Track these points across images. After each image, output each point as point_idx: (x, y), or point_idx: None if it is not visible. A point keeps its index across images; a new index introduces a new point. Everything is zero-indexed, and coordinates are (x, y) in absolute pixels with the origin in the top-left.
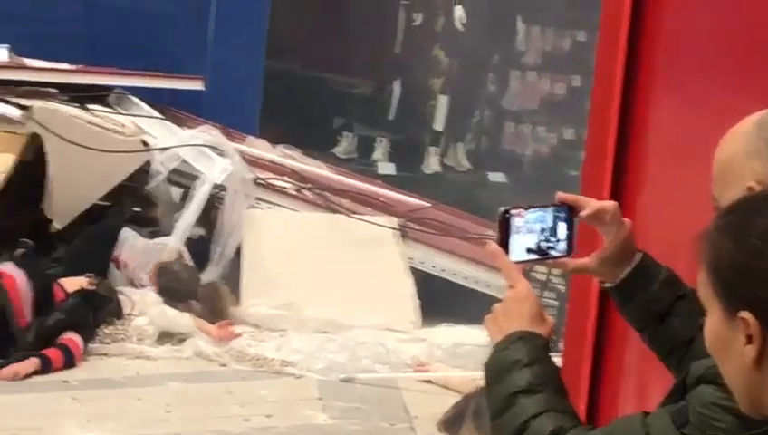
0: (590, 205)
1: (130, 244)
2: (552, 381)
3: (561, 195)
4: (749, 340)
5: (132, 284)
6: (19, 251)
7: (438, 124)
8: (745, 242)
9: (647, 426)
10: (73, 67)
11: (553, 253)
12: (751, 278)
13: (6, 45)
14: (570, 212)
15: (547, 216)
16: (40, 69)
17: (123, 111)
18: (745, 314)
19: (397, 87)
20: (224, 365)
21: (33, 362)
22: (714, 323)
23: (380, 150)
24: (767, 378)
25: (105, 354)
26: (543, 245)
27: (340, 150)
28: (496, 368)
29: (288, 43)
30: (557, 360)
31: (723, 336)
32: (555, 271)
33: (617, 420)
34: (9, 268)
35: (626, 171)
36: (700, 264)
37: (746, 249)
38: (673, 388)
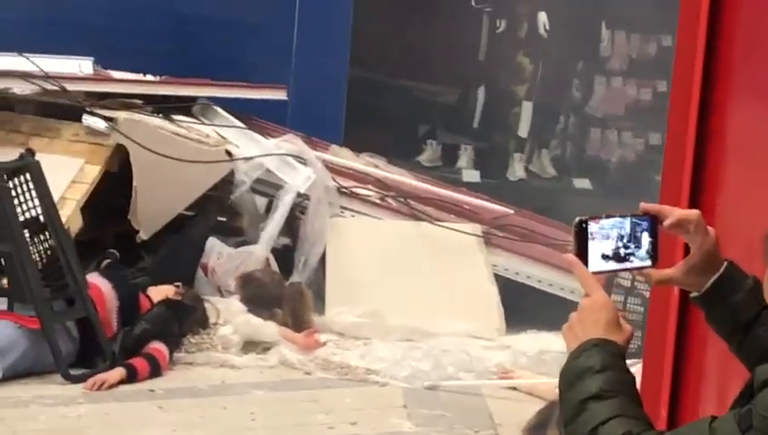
0: (672, 214)
1: (218, 252)
2: (625, 388)
3: (643, 205)
4: None
5: (219, 292)
6: (105, 262)
7: (523, 131)
8: None
9: (713, 430)
10: (157, 78)
11: (634, 261)
12: None
13: (91, 58)
14: (653, 222)
15: (625, 223)
16: (124, 81)
17: (207, 122)
18: None
19: (481, 94)
20: (308, 374)
21: (119, 372)
22: None
23: (465, 158)
24: None
25: (191, 363)
26: (622, 251)
27: (424, 158)
28: (570, 375)
29: (372, 51)
30: (638, 365)
31: None
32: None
33: (687, 424)
34: (95, 279)
35: (705, 176)
36: (765, 262)
37: None
38: (741, 392)
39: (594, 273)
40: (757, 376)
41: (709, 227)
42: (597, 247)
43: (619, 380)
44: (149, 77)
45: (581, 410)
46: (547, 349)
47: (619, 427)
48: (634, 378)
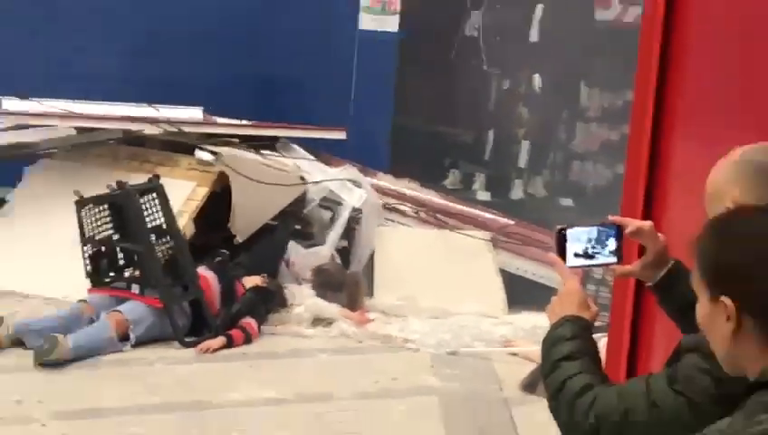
0: (632, 224)
1: (296, 251)
2: (589, 353)
3: (611, 217)
4: (728, 318)
5: (297, 281)
6: (218, 258)
7: (522, 162)
8: (721, 246)
9: (649, 383)
10: (249, 123)
11: (601, 259)
12: (727, 273)
13: (200, 107)
14: (619, 230)
15: (593, 230)
16: (225, 124)
17: (286, 155)
18: (725, 299)
19: (491, 135)
20: (360, 342)
21: (221, 340)
22: (703, 305)
23: (478, 183)
24: (741, 347)
25: (273, 334)
26: (590, 251)
27: (448, 183)
28: (548, 342)
29: (410, 102)
30: (604, 339)
31: (709, 316)
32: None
33: (632, 379)
34: (204, 271)
35: (655, 195)
36: (693, 262)
37: (722, 251)
38: (671, 355)
39: (570, 267)
40: (682, 345)
41: (659, 234)
42: (572, 248)
43: (585, 346)
44: (244, 121)
45: (555, 368)
46: (539, 325)
47: (582, 380)
48: (597, 345)
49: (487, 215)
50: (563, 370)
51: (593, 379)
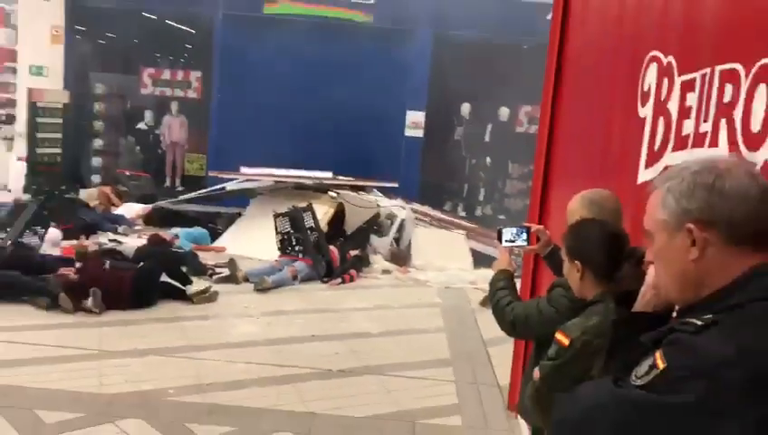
0: (534, 226)
1: (374, 239)
2: (511, 286)
3: (525, 223)
4: (577, 271)
5: (375, 253)
6: (338, 242)
7: (480, 198)
8: (572, 237)
9: (539, 301)
10: (353, 179)
11: (519, 242)
12: (575, 250)
13: (331, 171)
14: (528, 229)
15: (515, 229)
16: (342, 180)
17: (370, 194)
18: (577, 263)
19: (466, 185)
20: (403, 281)
21: (339, 280)
22: (566, 265)
23: (460, 207)
24: (583, 285)
25: (365, 277)
26: (513, 238)
27: (446, 207)
28: (492, 282)
29: (427, 168)
30: (518, 281)
31: (569, 270)
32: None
33: (531, 299)
34: (332, 248)
35: (544, 213)
36: (562, 244)
37: (573, 240)
38: (549, 287)
39: (503, 247)
40: (554, 283)
41: (547, 231)
42: (504, 237)
43: (509, 284)
44: (350, 178)
45: (495, 294)
46: (488, 275)
47: (507, 299)
48: (515, 284)
49: (464, 223)
50: (499, 295)
51: (513, 299)
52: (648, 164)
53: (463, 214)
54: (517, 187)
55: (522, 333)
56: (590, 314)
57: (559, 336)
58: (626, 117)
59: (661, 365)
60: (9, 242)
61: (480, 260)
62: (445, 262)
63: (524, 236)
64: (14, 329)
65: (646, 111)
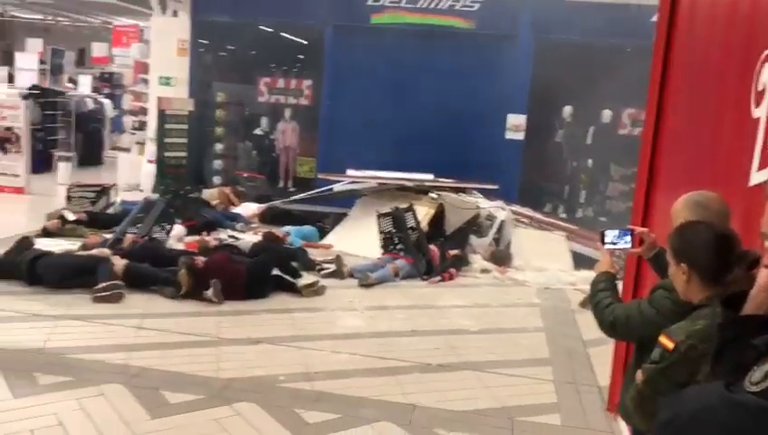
0: (638, 229)
1: (473, 240)
2: (612, 288)
3: (629, 226)
4: (683, 273)
5: (474, 252)
6: (438, 241)
7: (581, 199)
8: (679, 239)
9: (640, 302)
10: (454, 181)
11: (621, 245)
12: (681, 252)
13: (431, 174)
14: (632, 232)
15: (617, 231)
16: (443, 182)
17: (470, 195)
18: (683, 265)
19: (567, 187)
20: (502, 281)
21: (438, 278)
22: (671, 267)
23: (560, 209)
24: (690, 287)
25: (464, 276)
26: (615, 241)
27: (546, 208)
28: (593, 283)
29: (528, 170)
30: (620, 283)
31: (675, 272)
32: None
33: (632, 300)
34: (432, 247)
35: (648, 215)
36: (667, 247)
37: (679, 242)
38: (651, 289)
39: (605, 249)
40: (657, 285)
41: (652, 234)
42: (606, 239)
43: (610, 286)
44: (451, 180)
45: (596, 295)
46: (589, 276)
47: (607, 301)
48: (617, 285)
49: (564, 224)
50: (599, 296)
51: (613, 300)
52: (762, 166)
53: (563, 216)
54: (619, 189)
55: (622, 333)
56: (697, 317)
57: (663, 340)
58: (737, 118)
59: None
60: (141, 236)
61: (580, 262)
62: (544, 263)
63: (627, 238)
64: (143, 316)
65: (760, 112)
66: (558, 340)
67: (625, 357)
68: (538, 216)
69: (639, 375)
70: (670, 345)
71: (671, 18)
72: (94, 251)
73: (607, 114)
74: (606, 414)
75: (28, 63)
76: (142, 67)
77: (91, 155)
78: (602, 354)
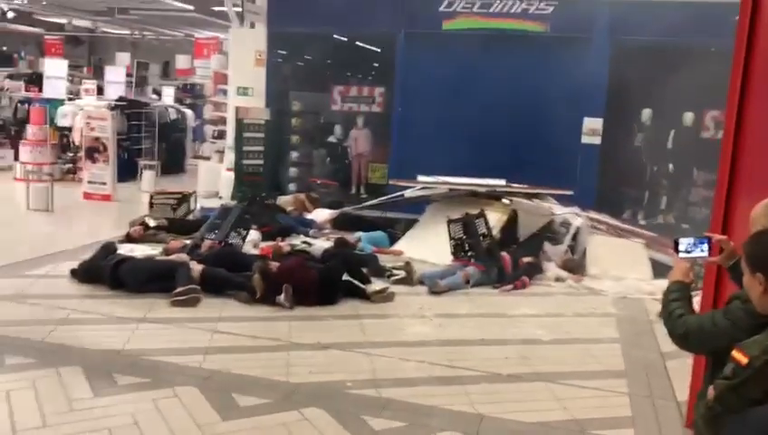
0: (718, 236)
1: (548, 246)
2: (685, 298)
3: (707, 233)
4: (760, 284)
5: (548, 260)
6: (511, 248)
7: (663, 206)
8: (755, 247)
9: (714, 313)
10: (528, 186)
11: (698, 254)
12: (758, 261)
13: (504, 179)
14: (710, 240)
15: (692, 240)
16: (515, 187)
17: (545, 201)
18: (758, 275)
19: (646, 193)
20: (577, 290)
21: (510, 286)
22: (747, 277)
23: (640, 215)
24: (766, 299)
25: (536, 284)
26: (691, 249)
27: (625, 215)
28: (666, 292)
29: (605, 176)
30: (698, 295)
31: (750, 282)
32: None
33: (707, 312)
34: (504, 254)
35: (728, 224)
36: (743, 259)
37: (756, 250)
38: (727, 300)
39: (680, 257)
40: (732, 295)
41: (731, 242)
42: (680, 247)
43: (683, 295)
44: (525, 186)
45: (668, 305)
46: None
47: (680, 311)
48: (691, 296)
49: (643, 231)
50: (672, 306)
51: (685, 311)
52: None
53: (643, 222)
54: (702, 194)
55: (694, 345)
56: None
57: (736, 354)
58: None
59: None
60: (218, 241)
61: (660, 270)
62: (621, 271)
63: (704, 246)
64: (218, 320)
65: None
66: (634, 351)
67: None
68: (616, 222)
69: (711, 391)
70: (744, 360)
71: (753, 17)
72: (173, 256)
73: (689, 117)
74: (684, 430)
75: (116, 76)
76: (222, 78)
77: (173, 163)
78: (681, 367)
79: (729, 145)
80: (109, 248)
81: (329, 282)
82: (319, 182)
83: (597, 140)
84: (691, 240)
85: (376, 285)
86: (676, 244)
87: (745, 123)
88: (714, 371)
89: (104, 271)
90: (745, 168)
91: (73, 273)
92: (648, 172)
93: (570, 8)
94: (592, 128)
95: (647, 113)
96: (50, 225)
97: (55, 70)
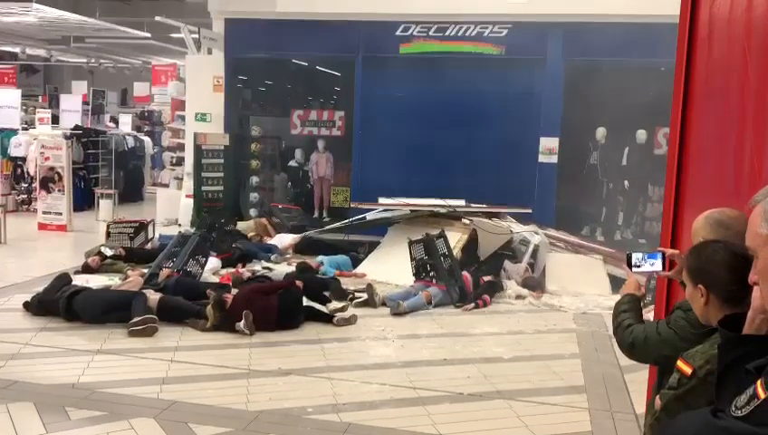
0: (669, 250)
1: (508, 265)
2: (634, 309)
3: (660, 248)
4: (701, 295)
5: (508, 278)
6: (472, 268)
7: (620, 222)
8: (696, 259)
9: (658, 323)
10: (487, 206)
11: (648, 268)
12: (699, 272)
13: (463, 199)
14: (663, 254)
15: (645, 254)
16: (474, 208)
17: (503, 220)
18: (701, 287)
19: (604, 209)
20: (537, 306)
21: (472, 305)
22: (689, 289)
23: (598, 232)
24: (709, 310)
25: (497, 302)
26: (641, 263)
27: (583, 232)
28: (617, 304)
29: (563, 193)
30: (651, 310)
31: (692, 294)
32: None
33: (651, 321)
34: (465, 273)
35: (677, 238)
36: (685, 264)
37: (697, 262)
38: (670, 310)
39: (633, 272)
40: (675, 305)
41: (683, 255)
42: (633, 261)
43: (633, 307)
44: (484, 206)
45: (618, 316)
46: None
47: (628, 321)
48: (640, 308)
49: (601, 247)
50: (621, 317)
51: (634, 322)
52: None
53: (601, 239)
54: (658, 209)
55: (640, 355)
56: (716, 341)
57: (681, 365)
58: (758, 134)
59: (762, 395)
60: (176, 270)
61: (619, 285)
62: (581, 287)
63: (655, 260)
64: (176, 349)
65: None
66: (594, 366)
67: None
68: (574, 239)
69: (658, 401)
70: (688, 370)
71: (690, 36)
72: (127, 285)
73: (641, 134)
74: None
75: (72, 105)
76: (180, 104)
77: (131, 191)
78: (640, 381)
79: (674, 161)
80: (63, 279)
81: (289, 307)
82: (281, 207)
83: (554, 159)
84: (641, 254)
85: (336, 303)
86: (629, 258)
87: (689, 139)
88: (661, 380)
89: (59, 303)
90: (690, 181)
91: (26, 305)
92: (605, 189)
93: (523, 31)
94: (549, 147)
95: (601, 132)
96: (2, 257)
97: (8, 99)
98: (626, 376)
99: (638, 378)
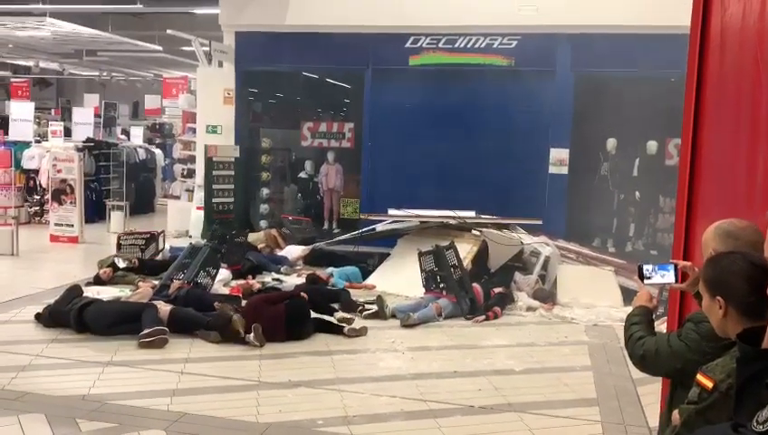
0: (682, 263)
1: (518, 276)
2: (646, 322)
3: (672, 260)
4: (719, 307)
5: (519, 290)
6: (482, 280)
7: (631, 233)
8: (710, 271)
9: (669, 336)
10: (494, 217)
11: (659, 280)
12: (715, 284)
13: (474, 211)
14: (676, 266)
15: (657, 265)
16: (485, 218)
17: (514, 231)
18: (719, 299)
19: (615, 220)
20: (548, 318)
21: (483, 317)
22: (705, 301)
23: (609, 243)
24: (727, 322)
25: (508, 314)
26: (652, 274)
27: (594, 243)
28: (628, 316)
29: (574, 205)
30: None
31: (709, 306)
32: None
33: (663, 333)
34: (476, 285)
35: (689, 250)
36: (702, 275)
37: (711, 273)
38: (681, 322)
39: (645, 283)
40: (686, 318)
41: (696, 267)
42: (644, 273)
43: (645, 320)
44: (495, 217)
45: (629, 328)
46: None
47: (640, 334)
48: (653, 320)
49: (612, 259)
50: (632, 330)
51: (645, 334)
52: None
53: (612, 250)
54: (669, 220)
55: (651, 367)
56: (735, 354)
57: (701, 378)
58: None
59: None
60: (186, 281)
61: (630, 297)
62: (592, 299)
63: (668, 272)
64: (186, 361)
65: None
66: (606, 379)
67: None
68: (585, 251)
69: (676, 416)
70: (709, 385)
71: (702, 47)
72: (136, 296)
73: (652, 145)
74: None
75: (84, 117)
76: (190, 117)
77: (143, 203)
78: (653, 393)
79: (686, 172)
80: (74, 291)
81: (297, 316)
82: (291, 218)
83: (564, 170)
84: (654, 266)
85: (343, 314)
86: (640, 270)
87: (701, 150)
88: (673, 393)
89: (69, 314)
90: (702, 193)
91: (38, 317)
92: (616, 200)
93: (533, 42)
94: (559, 158)
95: (611, 142)
96: (14, 269)
97: (21, 113)
98: (639, 389)
99: (652, 391)
